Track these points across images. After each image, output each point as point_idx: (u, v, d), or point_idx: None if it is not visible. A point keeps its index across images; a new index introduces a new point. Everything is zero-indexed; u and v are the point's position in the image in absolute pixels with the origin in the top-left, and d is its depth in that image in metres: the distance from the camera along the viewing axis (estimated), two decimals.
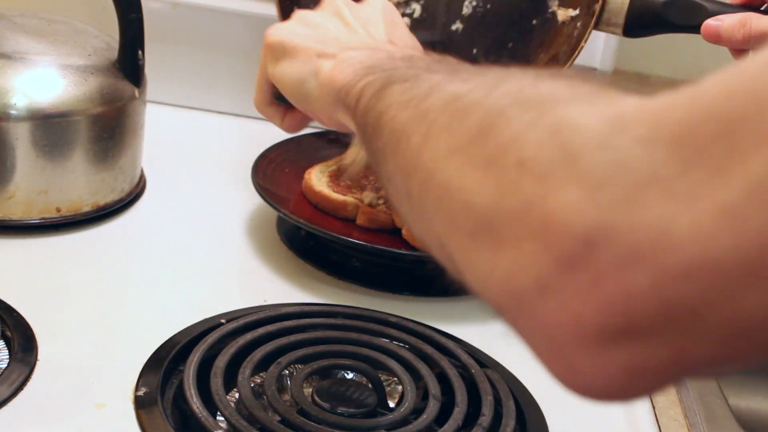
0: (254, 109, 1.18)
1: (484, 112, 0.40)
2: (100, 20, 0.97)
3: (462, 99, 0.42)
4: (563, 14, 0.92)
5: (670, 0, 0.85)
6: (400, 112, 0.47)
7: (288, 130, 0.75)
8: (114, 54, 0.90)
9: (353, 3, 0.68)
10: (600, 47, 1.13)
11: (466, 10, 0.94)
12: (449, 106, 0.43)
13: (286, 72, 0.66)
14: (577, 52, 0.90)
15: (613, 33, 0.89)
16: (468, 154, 0.39)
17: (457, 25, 0.95)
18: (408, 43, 0.67)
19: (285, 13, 0.95)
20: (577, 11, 0.91)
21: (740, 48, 0.78)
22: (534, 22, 0.94)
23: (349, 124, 0.59)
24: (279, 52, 0.66)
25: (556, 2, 0.93)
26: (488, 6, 0.94)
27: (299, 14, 0.69)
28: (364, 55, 0.60)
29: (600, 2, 0.87)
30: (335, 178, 0.96)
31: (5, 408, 0.65)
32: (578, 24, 0.91)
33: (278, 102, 0.71)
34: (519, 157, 0.36)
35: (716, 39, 0.78)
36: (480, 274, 0.38)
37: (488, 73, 0.46)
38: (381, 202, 0.93)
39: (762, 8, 0.81)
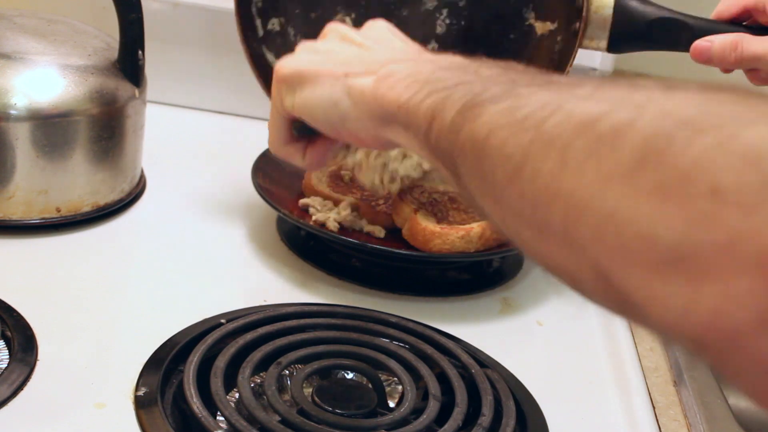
0: (254, 108, 1.19)
1: (642, 136, 0.37)
2: (100, 20, 0.97)
3: (601, 121, 0.39)
4: (541, 27, 0.90)
5: (654, 19, 0.82)
6: (514, 135, 0.44)
7: (310, 168, 0.69)
8: (114, 54, 0.90)
9: (354, 29, 0.65)
10: None
11: (440, 28, 0.93)
12: (586, 131, 0.40)
13: (311, 98, 0.61)
14: (566, 73, 0.88)
15: (596, 50, 0.87)
16: (633, 182, 0.37)
17: (432, 45, 0.93)
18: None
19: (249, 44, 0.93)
20: (555, 24, 0.90)
21: (732, 69, 0.78)
22: (511, 36, 0.92)
23: (405, 142, 0.56)
24: (296, 81, 0.62)
25: (533, 15, 0.91)
26: (462, 23, 0.92)
27: (304, 45, 0.65)
28: (409, 68, 0.56)
29: (582, 21, 0.84)
30: (335, 178, 0.96)
31: (5, 408, 0.65)
32: (558, 38, 0.89)
33: (299, 135, 0.66)
34: (711, 185, 0.34)
35: (707, 61, 0.77)
36: (673, 309, 0.36)
37: (603, 86, 0.43)
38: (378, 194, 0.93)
39: (746, 23, 0.80)
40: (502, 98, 0.46)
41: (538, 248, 0.44)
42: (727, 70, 0.78)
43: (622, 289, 0.38)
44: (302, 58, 0.63)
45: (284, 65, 0.63)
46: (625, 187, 0.37)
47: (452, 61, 0.56)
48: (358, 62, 0.60)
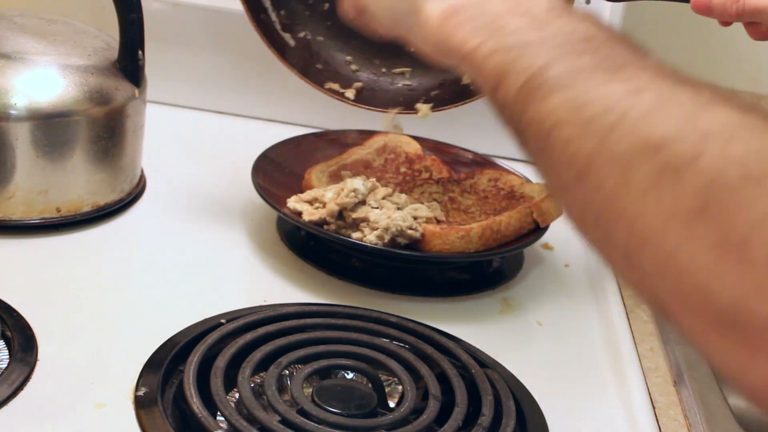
0: (254, 108, 1.19)
1: (704, 179, 0.36)
2: (100, 20, 0.97)
3: (665, 150, 0.38)
4: None
5: None
6: (578, 137, 0.42)
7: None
8: (114, 54, 0.90)
9: None
10: None
11: None
12: (650, 156, 0.38)
13: (378, 2, 0.60)
14: None
15: None
16: (694, 229, 0.36)
17: None
18: None
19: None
20: None
21: (732, 21, 0.77)
22: None
23: (473, 82, 0.53)
24: None
25: None
26: None
27: None
28: (476, 6, 0.53)
29: None
30: (335, 178, 0.96)
31: (5, 408, 0.65)
32: None
33: None
34: None
35: (707, 12, 0.76)
36: (729, 367, 0.36)
37: (669, 95, 0.41)
38: None
39: None
40: (567, 84, 0.45)
41: (600, 250, 0.44)
42: (726, 23, 0.77)
43: (682, 329, 0.38)
44: None
45: None
46: (686, 231, 0.36)
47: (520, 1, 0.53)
48: None
